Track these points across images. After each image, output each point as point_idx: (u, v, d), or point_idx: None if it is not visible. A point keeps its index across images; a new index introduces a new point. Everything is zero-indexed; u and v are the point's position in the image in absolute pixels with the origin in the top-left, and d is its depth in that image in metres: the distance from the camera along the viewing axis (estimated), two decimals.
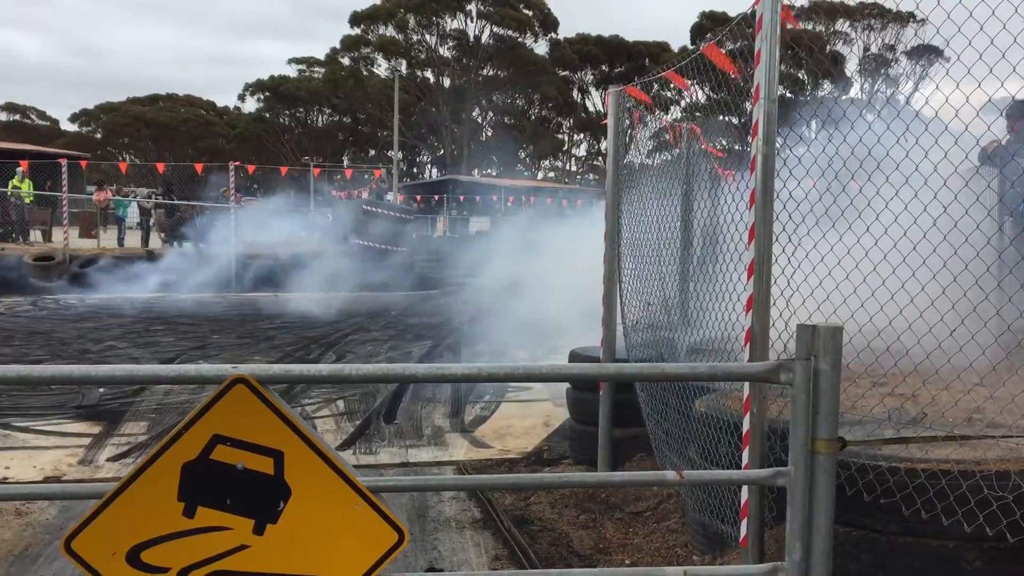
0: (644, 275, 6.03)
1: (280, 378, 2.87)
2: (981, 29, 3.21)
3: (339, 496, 2.67)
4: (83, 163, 29.73)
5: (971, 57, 3.25)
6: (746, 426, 3.74)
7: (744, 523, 3.76)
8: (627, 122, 6.31)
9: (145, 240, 24.96)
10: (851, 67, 46.92)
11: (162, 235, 25.26)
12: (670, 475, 3.08)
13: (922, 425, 3.93)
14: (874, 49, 45.38)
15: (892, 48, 42.44)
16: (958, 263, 3.95)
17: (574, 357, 6.68)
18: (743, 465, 3.76)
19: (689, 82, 5.02)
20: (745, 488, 3.69)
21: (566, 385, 6.83)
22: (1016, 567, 3.13)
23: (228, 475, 2.64)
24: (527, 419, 7.87)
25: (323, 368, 2.80)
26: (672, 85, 5.42)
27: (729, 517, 4.22)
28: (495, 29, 59.66)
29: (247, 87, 64.78)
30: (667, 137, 6.94)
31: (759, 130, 3.67)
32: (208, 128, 65.23)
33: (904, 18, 40.85)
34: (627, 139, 6.23)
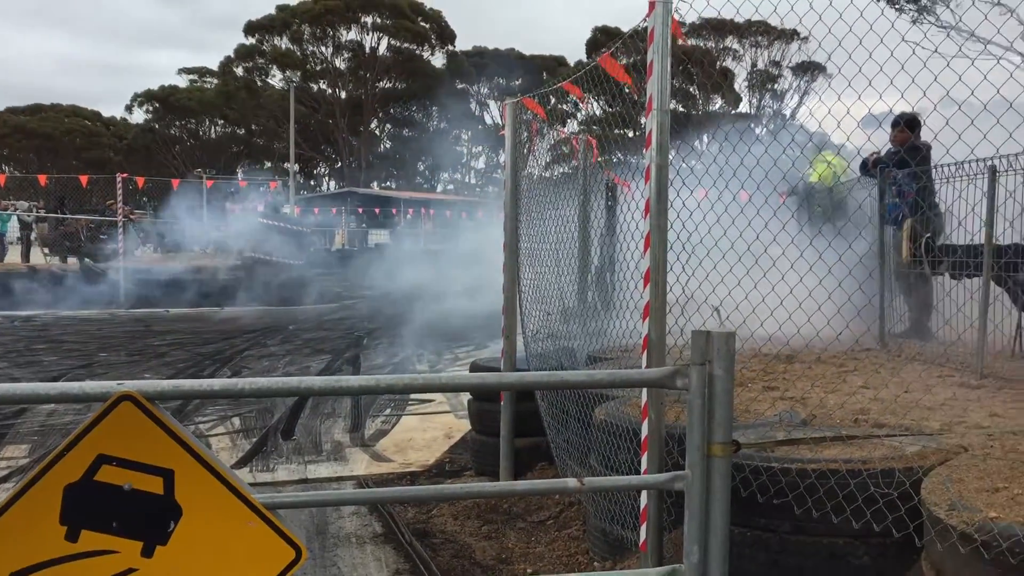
0: (543, 285, 6.08)
1: (170, 394, 2.77)
2: (860, 44, 3.37)
3: (233, 514, 2.59)
4: None
5: (852, 71, 3.40)
6: (645, 432, 3.79)
7: (644, 528, 3.81)
8: (524, 134, 6.35)
9: (26, 255, 23.87)
10: (739, 82, 48.52)
11: (45, 250, 24.20)
12: (571, 483, 3.09)
13: (811, 427, 4.06)
14: (761, 65, 47.04)
15: (778, 64, 44.16)
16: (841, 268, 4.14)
17: (475, 368, 6.67)
18: (642, 471, 3.82)
19: (585, 94, 5.08)
20: (644, 493, 3.74)
21: (468, 396, 6.81)
22: (901, 562, 3.26)
23: (114, 496, 2.54)
24: (428, 432, 7.81)
25: (215, 383, 2.71)
26: (570, 97, 5.47)
27: (629, 523, 4.27)
28: (392, 41, 59.39)
29: (136, 97, 62.69)
30: (564, 149, 7.02)
31: (652, 140, 3.74)
32: (94, 139, 62.86)
33: (789, 35, 42.46)
34: (525, 150, 6.27)
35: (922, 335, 7.06)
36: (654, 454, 3.78)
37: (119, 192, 19.48)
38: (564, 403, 5.39)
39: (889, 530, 3.18)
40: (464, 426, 7.94)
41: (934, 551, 2.91)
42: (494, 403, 6.14)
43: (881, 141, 8.12)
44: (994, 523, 2.70)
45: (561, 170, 7.31)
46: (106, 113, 67.66)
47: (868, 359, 6.47)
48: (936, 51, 3.22)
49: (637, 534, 4.00)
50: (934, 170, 7.09)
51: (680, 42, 3.78)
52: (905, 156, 7.06)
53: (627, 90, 4.95)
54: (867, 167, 8.16)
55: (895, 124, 7.74)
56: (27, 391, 2.83)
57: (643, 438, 3.80)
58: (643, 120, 3.75)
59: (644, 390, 3.76)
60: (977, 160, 5.93)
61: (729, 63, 46.68)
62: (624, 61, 5.11)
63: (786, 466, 3.42)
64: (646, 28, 4.07)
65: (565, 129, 6.61)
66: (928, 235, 6.44)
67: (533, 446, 6.12)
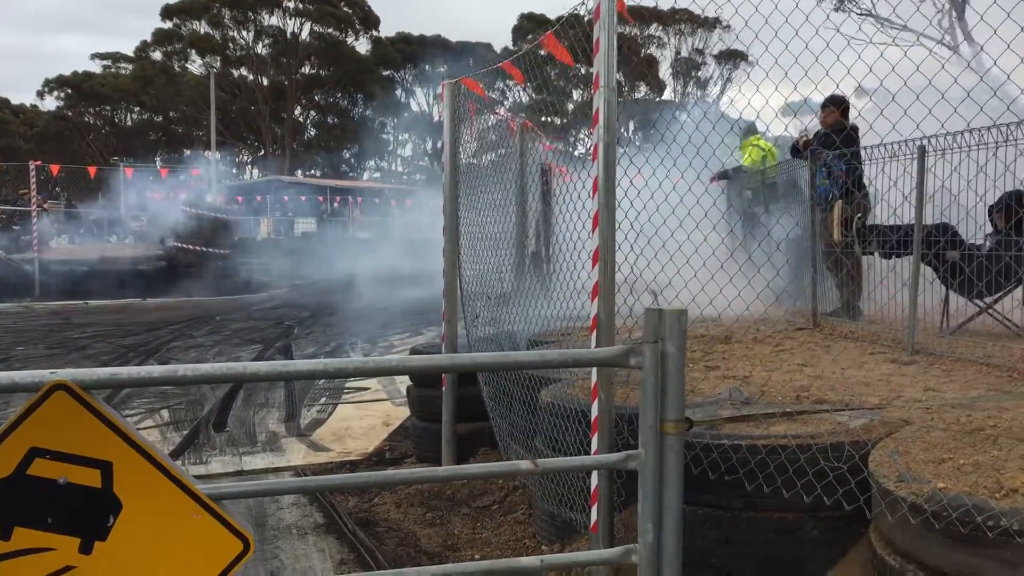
0: (483, 269, 6.01)
1: (106, 382, 2.64)
2: (776, 35, 3.42)
3: (177, 506, 2.49)
4: None
5: (769, 62, 3.46)
6: (595, 412, 3.77)
7: (594, 509, 3.78)
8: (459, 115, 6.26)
9: None
10: (664, 70, 49.02)
11: None
12: (524, 465, 3.04)
13: (757, 404, 4.09)
14: (685, 53, 47.61)
15: (701, 52, 44.78)
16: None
17: (415, 354, 6.57)
18: (593, 451, 3.79)
19: (524, 76, 5.02)
20: (595, 474, 3.72)
21: (407, 383, 6.71)
22: (850, 534, 3.30)
23: (48, 491, 2.42)
24: (365, 420, 7.69)
25: (154, 370, 2.59)
26: (509, 80, 5.40)
27: (578, 504, 4.25)
28: (315, 27, 58.36)
29: (47, 83, 60.42)
30: (501, 131, 6.95)
31: (599, 118, 3.69)
32: (4, 127, 60.44)
33: (711, 24, 43.03)
34: (461, 132, 6.18)
35: (851, 314, 7.20)
36: (604, 434, 3.76)
37: (32, 180, 18.71)
38: (508, 386, 5.34)
39: (839, 504, 3.21)
40: (402, 413, 7.84)
41: (883, 523, 2.94)
42: (435, 389, 6.06)
43: (810, 126, 8.26)
44: (943, 493, 2.74)
45: (497, 153, 7.22)
46: (15, 100, 65.17)
47: (802, 338, 6.58)
48: (864, 39, 3.31)
49: (586, 516, 3.99)
50: (863, 151, 7.23)
51: (627, 22, 3.73)
52: (835, 137, 7.17)
53: (553, 75, 4.97)
54: (798, 149, 8.27)
55: (824, 105, 7.84)
56: None
57: (593, 418, 3.78)
58: (593, 98, 3.69)
59: (593, 370, 3.74)
60: (907, 141, 6.07)
61: (653, 51, 47.15)
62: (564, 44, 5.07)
63: (736, 443, 3.43)
64: (577, 11, 4.06)
65: (502, 111, 6.54)
66: (859, 215, 6.55)
67: (475, 431, 6.07)
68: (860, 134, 7.25)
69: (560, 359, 3.22)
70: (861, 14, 16.12)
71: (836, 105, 7.77)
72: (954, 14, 14.22)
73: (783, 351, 6.07)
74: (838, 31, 3.63)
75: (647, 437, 2.97)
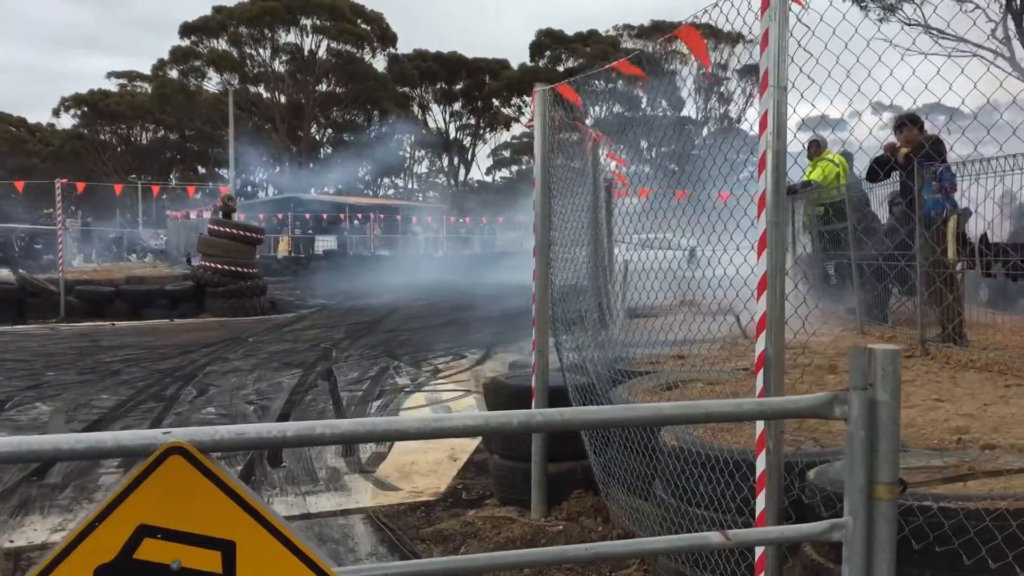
0: (578, 289, 5.53)
1: (230, 444, 2.13)
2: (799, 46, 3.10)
3: None
4: None
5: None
6: (761, 466, 3.26)
7: None
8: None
9: None
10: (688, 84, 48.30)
11: None
12: (715, 537, 2.54)
13: (917, 453, 3.56)
14: (705, 70, 47.06)
15: (724, 67, 44.29)
16: None
17: (498, 387, 6.04)
18: (758, 513, 3.27)
19: (646, 75, 4.52)
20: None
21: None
22: None
23: None
24: (430, 453, 7.16)
25: (287, 427, 2.09)
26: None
27: (722, 566, 3.72)
28: (332, 44, 58.19)
29: (63, 102, 60.47)
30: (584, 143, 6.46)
31: (768, 123, 3.19)
32: (20, 146, 60.49)
33: (735, 39, 42.53)
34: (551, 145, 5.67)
35: (958, 340, 6.66)
36: (773, 492, 3.24)
37: (58, 198, 18.30)
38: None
39: None
40: (468, 445, 7.32)
41: None
42: None
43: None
44: None
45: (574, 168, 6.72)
46: (32, 119, 65.29)
47: (917, 367, 6.04)
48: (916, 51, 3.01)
49: None
50: (963, 167, 6.76)
51: (799, 9, 3.21)
52: (935, 150, 6.69)
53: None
54: (877, 170, 7.82)
55: (901, 125, 7.50)
56: (46, 445, 2.14)
57: (759, 473, 3.27)
58: (760, 99, 3.18)
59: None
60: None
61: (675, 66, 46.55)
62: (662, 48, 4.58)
63: (950, 505, 2.89)
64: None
65: (587, 122, 6.06)
66: (982, 232, 6.03)
67: (567, 471, 5.54)
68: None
69: (758, 410, 2.72)
70: (911, 24, 15.64)
71: (914, 123, 7.42)
72: (1012, 26, 13.68)
73: (905, 382, 5.53)
74: (897, 46, 3.40)
75: (855, 503, 2.49)
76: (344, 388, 10.13)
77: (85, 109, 60.15)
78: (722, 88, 46.61)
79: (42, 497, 6.10)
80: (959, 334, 6.76)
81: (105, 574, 1.93)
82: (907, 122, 7.47)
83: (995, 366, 5.77)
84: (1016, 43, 13.49)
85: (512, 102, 62.18)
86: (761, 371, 3.26)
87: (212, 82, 58.85)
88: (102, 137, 61.16)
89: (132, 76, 62.12)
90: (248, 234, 19.36)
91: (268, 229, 36.44)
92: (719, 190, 4.14)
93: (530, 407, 5.52)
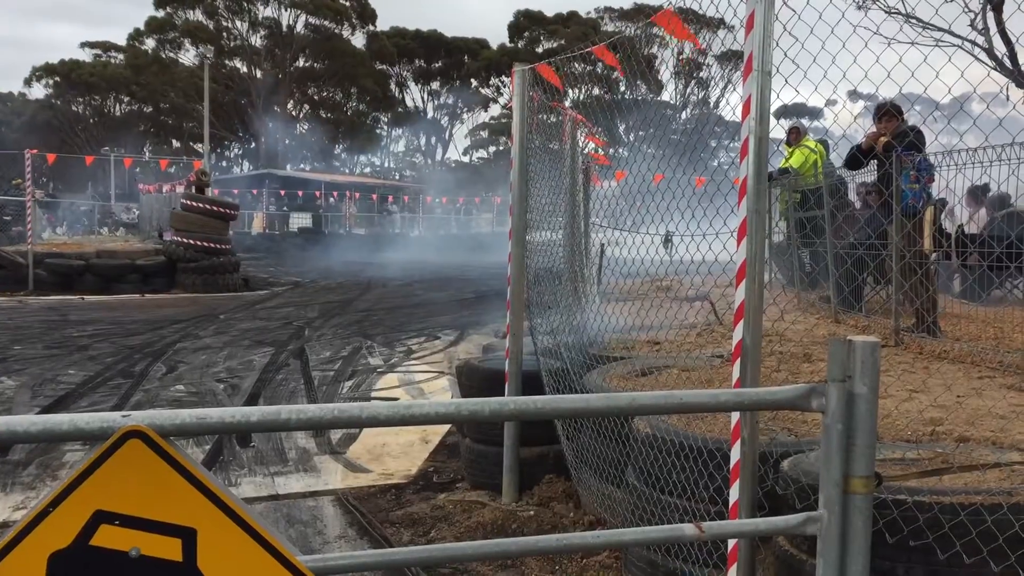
0: (553, 273, 5.47)
1: (193, 428, 2.07)
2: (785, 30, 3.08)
3: None
4: None
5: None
6: (735, 456, 3.23)
7: (732, 570, 3.24)
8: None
9: None
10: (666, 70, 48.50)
11: None
12: (688, 530, 2.50)
13: (890, 444, 3.55)
14: (687, 53, 47.09)
15: (704, 53, 44.27)
16: None
17: (471, 369, 5.98)
18: (731, 503, 3.25)
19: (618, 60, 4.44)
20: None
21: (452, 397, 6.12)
22: None
23: (117, 566, 1.84)
24: (402, 435, 7.09)
25: (252, 412, 2.02)
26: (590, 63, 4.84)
27: (692, 555, 3.69)
28: (310, 19, 57.54)
29: (35, 72, 59.36)
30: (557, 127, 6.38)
31: (751, 108, 3.13)
32: None
33: (715, 24, 42.51)
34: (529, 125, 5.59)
35: (932, 332, 6.67)
36: (747, 483, 3.21)
37: (28, 169, 17.96)
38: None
39: None
40: (440, 428, 7.26)
41: None
42: None
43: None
44: None
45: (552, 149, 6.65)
46: (3, 89, 64.22)
47: (891, 358, 6.03)
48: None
49: (697, 568, 3.52)
50: (941, 156, 6.75)
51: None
52: (915, 140, 6.67)
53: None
54: (858, 157, 7.80)
55: (881, 114, 7.46)
56: (0, 427, 2.06)
57: (733, 464, 3.24)
58: (744, 83, 3.12)
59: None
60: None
61: (655, 50, 46.58)
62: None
63: (925, 499, 2.86)
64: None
65: (566, 103, 5.97)
66: (961, 223, 6.02)
67: (539, 456, 5.50)
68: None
69: (735, 401, 2.67)
70: (890, 12, 15.59)
71: (899, 113, 7.39)
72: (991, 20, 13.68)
73: (879, 372, 5.52)
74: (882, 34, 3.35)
75: (831, 496, 2.47)
76: (316, 367, 10.03)
77: (57, 79, 59.11)
78: (702, 72, 46.63)
79: (4, 474, 5.98)
80: (934, 324, 6.77)
81: (60, 561, 1.87)
82: (890, 111, 7.45)
83: (967, 357, 5.78)
84: (996, 38, 13.50)
85: (490, 82, 61.90)
86: (738, 360, 3.23)
87: (188, 55, 58.07)
88: (74, 108, 60.16)
89: (106, 47, 61.10)
90: (222, 209, 19.14)
91: (243, 205, 36.09)
92: (698, 175, 4.10)
93: (503, 391, 5.47)
